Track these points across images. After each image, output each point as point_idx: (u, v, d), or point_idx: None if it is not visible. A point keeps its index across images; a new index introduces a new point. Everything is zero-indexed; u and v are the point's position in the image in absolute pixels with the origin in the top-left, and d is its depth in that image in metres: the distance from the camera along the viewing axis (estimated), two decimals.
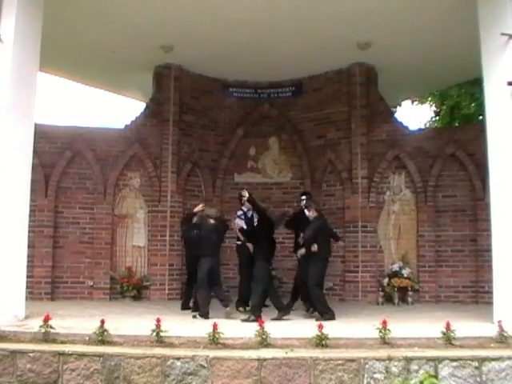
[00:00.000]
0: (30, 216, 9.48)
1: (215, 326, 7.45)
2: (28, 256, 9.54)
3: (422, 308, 11.90)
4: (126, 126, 13.73)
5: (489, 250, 9.36)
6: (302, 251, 10.60)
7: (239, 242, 11.74)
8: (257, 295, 10.09)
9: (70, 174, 13.11)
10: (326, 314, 9.88)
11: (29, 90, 9.25)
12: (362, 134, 13.58)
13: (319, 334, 7.42)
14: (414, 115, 33.08)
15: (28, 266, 9.65)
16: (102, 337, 7.48)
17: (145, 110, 14.04)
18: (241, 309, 11.05)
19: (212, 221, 10.82)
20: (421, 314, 10.89)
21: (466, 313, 10.52)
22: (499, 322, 7.91)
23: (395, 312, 11.07)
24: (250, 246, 11.27)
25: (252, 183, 14.56)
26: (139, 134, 13.58)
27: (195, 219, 11.17)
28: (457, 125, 20.25)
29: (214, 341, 7.40)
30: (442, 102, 21.63)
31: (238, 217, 11.80)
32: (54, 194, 12.84)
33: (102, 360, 6.99)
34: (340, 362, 6.96)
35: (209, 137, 14.55)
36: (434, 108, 22.96)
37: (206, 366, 6.92)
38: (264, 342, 7.40)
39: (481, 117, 17.23)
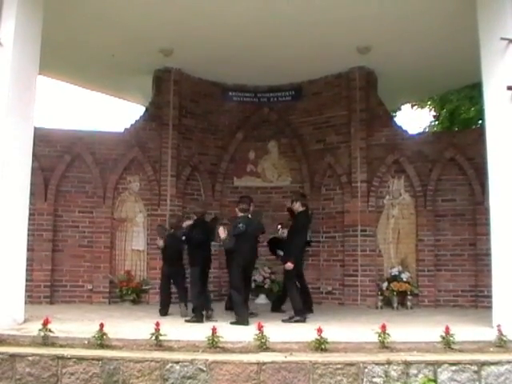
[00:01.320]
0: (29, 219, 9.47)
1: (214, 330, 7.45)
2: (27, 259, 9.53)
3: (421, 312, 11.90)
4: (126, 129, 13.73)
5: (488, 255, 9.35)
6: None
7: None
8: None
9: (69, 178, 13.11)
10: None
11: (28, 93, 9.25)
12: (361, 138, 13.58)
13: (318, 338, 7.41)
14: (414, 119, 33.25)
15: (27, 270, 9.64)
16: (101, 340, 7.47)
17: (144, 113, 14.05)
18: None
19: (171, 230, 11.54)
20: (420, 318, 10.89)
21: (465, 317, 10.52)
22: (498, 326, 7.90)
23: (394, 316, 11.07)
24: None
25: (251, 187, 14.59)
26: (139, 137, 13.58)
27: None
28: (456, 129, 20.25)
29: (213, 345, 7.39)
30: (442, 107, 21.66)
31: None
32: (53, 197, 12.85)
33: (101, 364, 6.98)
34: (339, 366, 6.94)
35: (208, 141, 14.55)
36: (433, 112, 22.99)
37: (205, 369, 6.91)
38: (263, 345, 7.40)
39: (480, 121, 17.28)
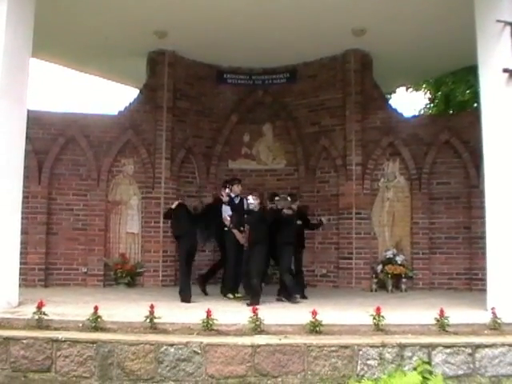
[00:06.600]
0: (23, 203, 9.44)
1: (209, 313, 7.44)
2: (21, 243, 9.54)
3: (415, 295, 11.92)
4: (120, 112, 13.68)
5: (483, 237, 9.39)
6: None
7: (225, 229, 11.51)
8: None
9: (63, 161, 13.07)
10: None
11: (21, 75, 9.18)
12: (356, 121, 13.55)
13: (313, 320, 7.42)
14: (409, 102, 32.99)
15: (21, 253, 9.67)
16: (95, 323, 7.46)
17: (138, 96, 13.98)
18: (230, 295, 11.00)
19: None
20: (414, 300, 10.91)
21: (459, 300, 10.54)
22: (493, 308, 7.92)
23: (389, 299, 11.10)
24: (236, 232, 11.18)
25: (246, 170, 14.60)
26: (133, 120, 13.53)
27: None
28: (451, 112, 20.20)
29: (208, 327, 7.39)
30: (437, 89, 21.55)
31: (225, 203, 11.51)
32: (47, 180, 12.81)
33: (95, 347, 6.97)
34: (334, 348, 6.96)
35: (203, 123, 14.50)
36: (428, 95, 22.88)
37: (199, 352, 6.92)
38: (258, 328, 7.40)
39: (476, 104, 17.16)
